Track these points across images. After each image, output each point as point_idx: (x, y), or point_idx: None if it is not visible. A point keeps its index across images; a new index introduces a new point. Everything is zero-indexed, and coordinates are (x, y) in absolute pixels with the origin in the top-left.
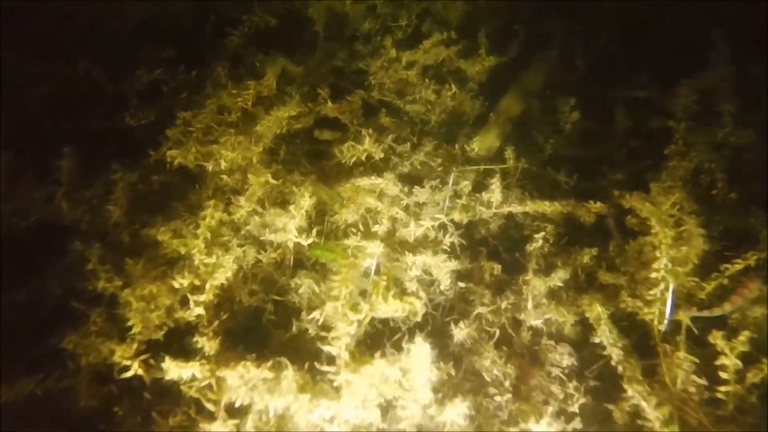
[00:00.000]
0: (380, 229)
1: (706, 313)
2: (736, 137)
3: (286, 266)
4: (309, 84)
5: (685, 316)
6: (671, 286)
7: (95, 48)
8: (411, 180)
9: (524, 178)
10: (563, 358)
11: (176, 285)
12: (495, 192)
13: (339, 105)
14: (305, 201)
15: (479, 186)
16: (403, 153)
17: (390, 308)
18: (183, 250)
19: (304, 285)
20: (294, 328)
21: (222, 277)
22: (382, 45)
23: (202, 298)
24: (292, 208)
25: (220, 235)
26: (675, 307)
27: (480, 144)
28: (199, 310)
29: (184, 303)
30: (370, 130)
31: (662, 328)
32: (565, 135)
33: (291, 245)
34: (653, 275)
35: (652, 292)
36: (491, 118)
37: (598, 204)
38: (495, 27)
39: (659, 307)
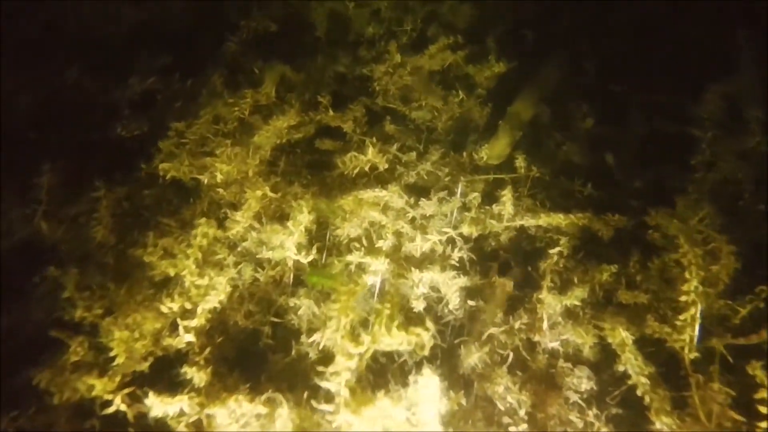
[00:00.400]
0: (385, 244)
1: (742, 341)
2: (765, 146)
3: (285, 285)
4: (310, 91)
5: (718, 343)
6: (699, 306)
7: (85, 54)
8: (417, 191)
9: (536, 187)
10: (582, 382)
11: (164, 310)
12: (506, 204)
13: (341, 114)
14: (304, 216)
15: (489, 196)
16: (408, 162)
17: (394, 340)
18: (173, 272)
19: (303, 306)
20: (293, 352)
21: (215, 299)
22: (387, 50)
23: (193, 323)
24: (290, 223)
25: (214, 253)
26: (708, 333)
27: (489, 152)
28: (190, 337)
29: (174, 329)
30: (374, 139)
31: (693, 356)
32: (579, 141)
33: (290, 263)
34: (683, 298)
35: (681, 318)
36: (501, 124)
37: (617, 216)
38: (503, 30)
39: (690, 334)
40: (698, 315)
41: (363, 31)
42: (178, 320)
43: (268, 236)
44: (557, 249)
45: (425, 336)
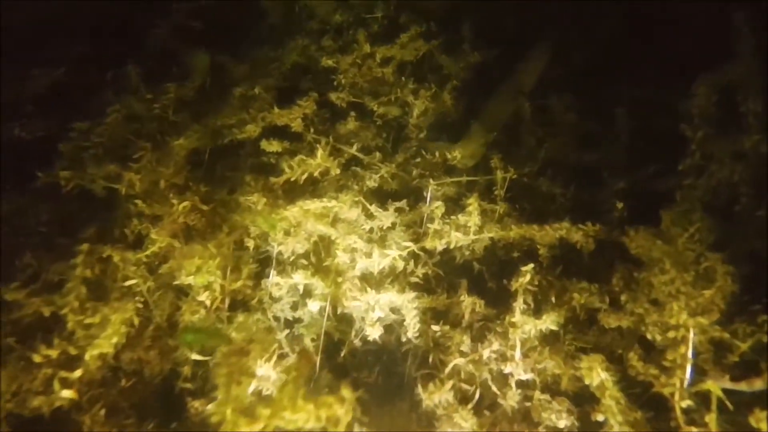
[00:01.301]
0: (335, 262)
1: (743, 387)
2: (764, 144)
3: (219, 310)
4: (261, 85)
5: (715, 387)
6: (690, 342)
7: None
8: (383, 196)
9: (513, 190)
10: (561, 417)
11: (38, 359)
12: (473, 215)
13: (288, 110)
14: (225, 235)
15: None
16: (371, 164)
17: (299, 416)
18: (47, 311)
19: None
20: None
21: (107, 343)
22: (355, 39)
23: (77, 373)
24: (211, 245)
25: (125, 278)
26: (701, 373)
27: (462, 152)
28: (67, 393)
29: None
30: (330, 139)
31: (685, 404)
32: (561, 139)
33: (218, 288)
34: (671, 335)
35: (670, 357)
36: (474, 123)
37: (597, 226)
38: (481, 17)
39: (680, 377)
40: (689, 354)
41: (329, 18)
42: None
43: (190, 257)
44: (530, 266)
45: (340, 409)
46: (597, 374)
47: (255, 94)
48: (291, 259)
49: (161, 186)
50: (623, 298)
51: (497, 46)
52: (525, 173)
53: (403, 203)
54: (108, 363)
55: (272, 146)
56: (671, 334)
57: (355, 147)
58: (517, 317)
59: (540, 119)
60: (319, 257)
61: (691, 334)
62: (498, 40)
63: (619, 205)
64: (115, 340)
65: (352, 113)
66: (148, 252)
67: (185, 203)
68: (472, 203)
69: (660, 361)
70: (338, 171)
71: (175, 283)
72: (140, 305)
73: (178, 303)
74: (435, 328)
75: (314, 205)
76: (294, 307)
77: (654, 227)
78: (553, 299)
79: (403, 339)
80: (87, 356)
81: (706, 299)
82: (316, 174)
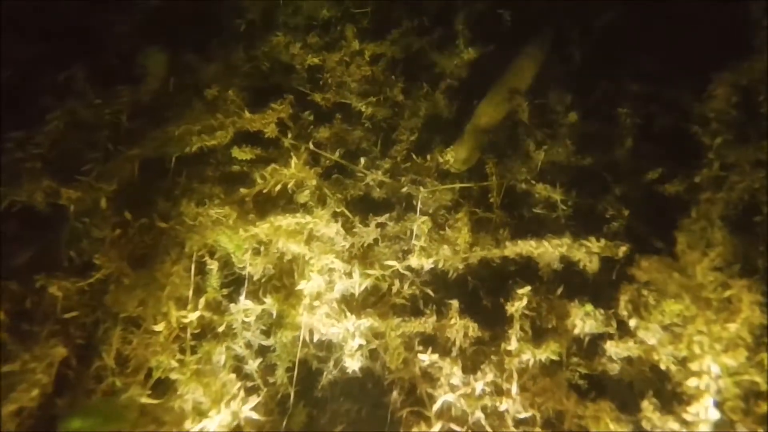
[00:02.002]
0: (309, 285)
1: None
2: None
3: (179, 341)
4: (235, 87)
5: None
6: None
7: None
8: (367, 206)
9: (511, 196)
10: None
11: None
12: (462, 231)
13: (261, 114)
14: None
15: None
16: (355, 172)
17: None
18: None
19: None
20: None
21: (25, 397)
22: (343, 35)
23: None
24: (162, 271)
25: (64, 309)
26: (729, 426)
27: (455, 157)
28: None
29: None
30: (311, 145)
31: None
32: (561, 140)
33: (173, 321)
34: (692, 382)
35: (691, 410)
36: (467, 127)
37: (602, 243)
38: (476, 10)
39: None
40: (712, 404)
41: (316, 14)
42: None
43: (142, 285)
44: (526, 288)
45: None
46: (605, 424)
47: (226, 97)
48: (262, 281)
49: (103, 204)
50: (632, 323)
51: (494, 42)
52: (522, 179)
53: (385, 218)
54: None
55: (244, 154)
56: (693, 382)
57: (337, 153)
58: (513, 345)
59: (538, 120)
60: (292, 279)
61: (714, 375)
62: (495, 36)
63: (625, 212)
64: (35, 392)
65: (338, 115)
66: (92, 280)
67: (142, 221)
68: (461, 218)
69: (680, 413)
70: (314, 182)
71: (123, 315)
72: (81, 341)
73: (129, 337)
74: (422, 357)
75: (286, 220)
76: (266, 333)
77: (667, 252)
78: (553, 325)
79: (387, 369)
80: (3, 413)
81: (731, 334)
82: (291, 185)
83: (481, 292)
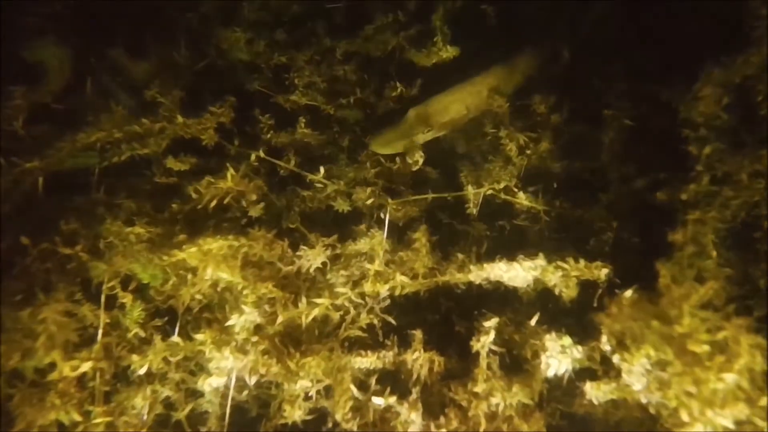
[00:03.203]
0: (241, 319)
1: None
2: None
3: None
4: (180, 87)
5: None
6: None
7: None
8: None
9: (490, 207)
10: None
11: None
12: (420, 252)
13: (198, 120)
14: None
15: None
16: (313, 182)
17: None
18: None
19: None
20: None
21: None
22: (314, 32)
23: None
24: (53, 309)
25: None
26: None
27: (379, 136)
28: None
29: None
30: (261, 152)
31: None
32: (544, 145)
33: (65, 367)
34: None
35: None
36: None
37: (582, 264)
38: (456, 5)
39: None
40: None
41: (285, 9)
42: None
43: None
44: (493, 320)
45: None
46: None
47: (158, 99)
48: (193, 313)
49: None
50: (616, 359)
51: (474, 39)
52: (501, 188)
53: (333, 239)
54: None
55: (180, 164)
56: (683, 416)
57: (293, 162)
58: (480, 387)
59: (520, 122)
60: (224, 312)
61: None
62: (475, 32)
63: (614, 223)
64: None
65: (302, 118)
66: None
67: (42, 246)
68: (419, 237)
69: None
70: (254, 196)
71: (9, 366)
72: None
73: (9, 392)
74: (377, 400)
75: (216, 244)
76: (195, 376)
77: (649, 287)
78: (528, 357)
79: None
80: None
81: (728, 386)
82: (228, 200)
83: (454, 316)
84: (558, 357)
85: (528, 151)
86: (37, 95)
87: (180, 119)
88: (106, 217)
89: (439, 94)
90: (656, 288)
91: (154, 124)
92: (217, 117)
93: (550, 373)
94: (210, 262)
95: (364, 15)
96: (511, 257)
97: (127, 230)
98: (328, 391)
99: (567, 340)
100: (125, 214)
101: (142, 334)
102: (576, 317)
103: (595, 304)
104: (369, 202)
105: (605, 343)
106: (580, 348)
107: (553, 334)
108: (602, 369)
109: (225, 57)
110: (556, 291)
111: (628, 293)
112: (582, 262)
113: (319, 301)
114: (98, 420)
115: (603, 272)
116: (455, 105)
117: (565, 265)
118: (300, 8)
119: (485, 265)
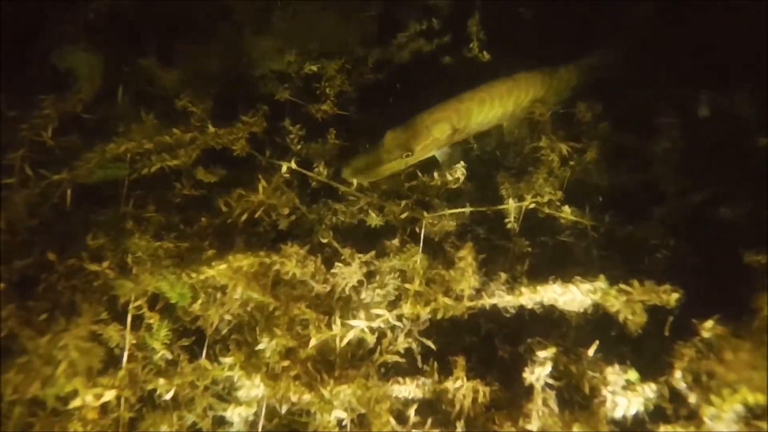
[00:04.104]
0: (273, 343)
1: None
2: None
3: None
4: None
5: None
6: None
7: None
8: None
9: (530, 220)
10: None
11: None
12: (466, 272)
13: (229, 130)
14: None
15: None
16: (346, 195)
17: None
18: None
19: None
20: None
21: None
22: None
23: None
24: (75, 335)
25: None
26: None
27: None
28: None
29: None
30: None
31: None
32: (591, 156)
33: (88, 396)
34: None
35: None
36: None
37: (646, 285)
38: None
39: None
40: None
41: (317, 17)
42: None
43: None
44: (550, 351)
45: None
46: None
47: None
48: (220, 335)
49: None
50: (693, 400)
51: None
52: (545, 201)
53: (370, 256)
54: None
55: (211, 176)
56: None
57: (325, 173)
58: (535, 426)
59: (563, 131)
60: (254, 333)
61: None
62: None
63: (671, 240)
64: None
65: (333, 129)
66: None
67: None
68: (465, 255)
69: None
70: (286, 210)
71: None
72: None
73: (29, 420)
74: None
75: (247, 260)
76: (223, 401)
77: (735, 317)
78: (587, 394)
79: None
80: None
81: None
82: (259, 214)
83: (496, 339)
84: (625, 394)
85: (572, 162)
86: (67, 104)
87: (211, 129)
88: (134, 232)
89: (420, 112)
90: (746, 320)
91: (185, 134)
92: (249, 126)
93: (618, 414)
94: (240, 280)
95: (397, 22)
96: (565, 278)
97: (155, 245)
98: (361, 419)
99: (633, 375)
100: (153, 228)
101: (169, 355)
102: (630, 344)
103: (666, 333)
104: (403, 216)
105: (679, 380)
106: (653, 386)
107: (616, 367)
108: (674, 412)
109: (256, 66)
110: (620, 318)
111: (709, 324)
112: (648, 285)
113: (354, 323)
114: None
115: (673, 297)
116: (438, 125)
117: (629, 289)
118: (331, 17)
119: (538, 287)
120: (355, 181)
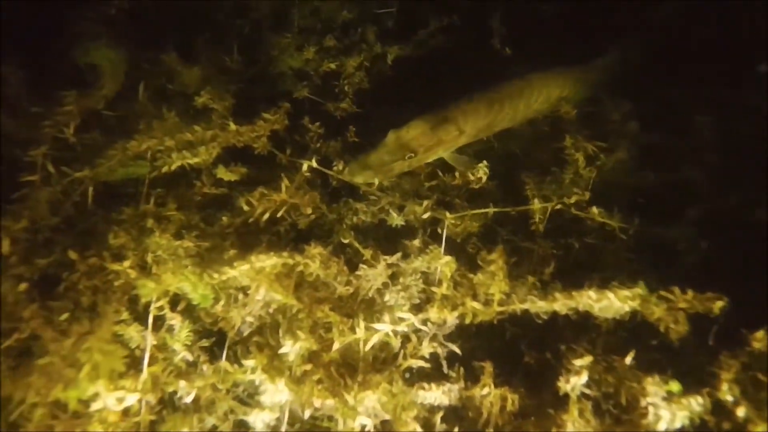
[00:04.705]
0: (295, 347)
1: None
2: None
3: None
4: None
5: None
6: None
7: None
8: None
9: (557, 221)
10: None
11: None
12: (496, 276)
13: (250, 127)
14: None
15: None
16: (366, 193)
17: None
18: None
19: None
20: None
21: None
22: (364, 38)
23: None
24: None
25: None
26: None
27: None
28: None
29: None
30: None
31: None
32: (619, 156)
33: (111, 398)
34: None
35: None
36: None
37: (689, 295)
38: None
39: None
40: None
41: (335, 16)
42: None
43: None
44: (586, 360)
45: None
46: None
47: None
48: (242, 337)
49: (5, 247)
50: (741, 413)
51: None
52: (572, 202)
53: (396, 257)
54: None
55: (231, 174)
56: None
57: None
58: (570, 427)
59: (590, 130)
60: (276, 336)
61: None
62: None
63: (703, 244)
64: None
65: (352, 127)
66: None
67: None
68: (495, 258)
69: None
70: (309, 210)
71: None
72: None
73: (51, 423)
74: None
75: (270, 261)
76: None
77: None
78: (624, 403)
79: None
80: None
81: None
82: (281, 213)
83: (522, 345)
84: (668, 407)
85: (598, 162)
86: (89, 100)
87: (233, 126)
88: (154, 230)
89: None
90: None
91: (206, 131)
92: (271, 124)
93: (661, 427)
94: (263, 281)
95: (417, 19)
96: (598, 283)
97: (176, 243)
98: (384, 426)
99: (675, 386)
100: (174, 226)
101: (190, 357)
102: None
103: (710, 342)
104: (425, 216)
105: (726, 392)
106: (699, 399)
107: (656, 377)
108: (717, 425)
109: (275, 63)
110: (662, 326)
111: (761, 334)
112: (690, 293)
113: (379, 326)
114: None
115: (717, 305)
116: (443, 126)
117: (671, 296)
118: (350, 14)
119: (573, 293)
120: (361, 180)
